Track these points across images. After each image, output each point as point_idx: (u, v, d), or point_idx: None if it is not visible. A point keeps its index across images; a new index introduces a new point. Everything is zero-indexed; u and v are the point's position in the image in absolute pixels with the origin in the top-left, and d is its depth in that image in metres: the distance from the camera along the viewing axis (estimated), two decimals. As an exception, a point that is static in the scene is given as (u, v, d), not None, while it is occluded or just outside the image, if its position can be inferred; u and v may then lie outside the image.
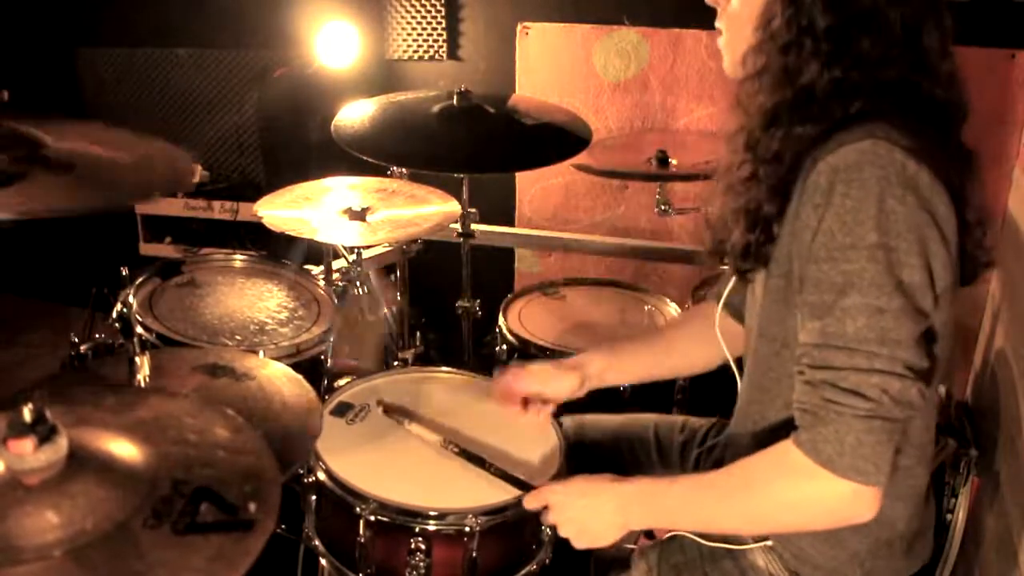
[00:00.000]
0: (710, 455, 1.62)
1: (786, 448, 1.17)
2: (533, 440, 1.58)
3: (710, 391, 1.78)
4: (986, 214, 1.24)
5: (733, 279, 1.48)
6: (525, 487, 1.41)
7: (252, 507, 0.92)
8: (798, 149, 1.20)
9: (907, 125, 1.14)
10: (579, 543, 1.35)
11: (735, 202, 1.29)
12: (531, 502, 1.38)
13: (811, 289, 1.15)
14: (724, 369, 1.81)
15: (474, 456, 1.47)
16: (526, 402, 1.60)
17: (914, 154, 1.11)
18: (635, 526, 1.34)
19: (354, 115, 2.20)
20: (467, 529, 1.38)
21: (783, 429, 1.20)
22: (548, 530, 1.49)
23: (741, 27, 1.26)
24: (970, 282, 1.27)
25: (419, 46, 3.17)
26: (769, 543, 1.36)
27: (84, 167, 1.26)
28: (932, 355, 1.14)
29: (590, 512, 1.33)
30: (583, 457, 1.61)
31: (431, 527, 1.39)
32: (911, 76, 1.18)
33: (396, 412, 1.60)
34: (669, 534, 1.45)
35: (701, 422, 1.70)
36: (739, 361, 1.51)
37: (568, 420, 1.70)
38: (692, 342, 1.63)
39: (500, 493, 1.42)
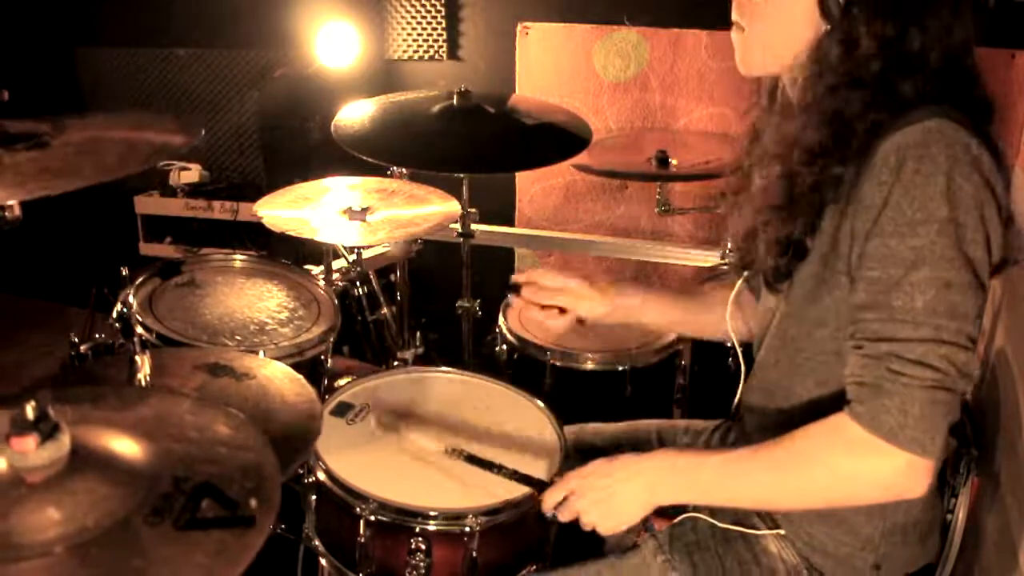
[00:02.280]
0: None
1: (841, 421, 1.17)
2: (533, 440, 1.58)
3: (709, 391, 1.78)
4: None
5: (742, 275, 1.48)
6: (542, 486, 1.39)
7: (253, 503, 0.92)
8: (842, 182, 1.20)
9: (960, 106, 1.17)
10: (605, 527, 1.31)
11: (767, 232, 1.29)
12: (551, 496, 1.35)
13: (874, 264, 1.16)
14: (724, 369, 1.81)
15: (482, 461, 1.45)
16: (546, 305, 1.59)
17: (976, 134, 1.13)
18: (663, 501, 1.30)
19: (354, 115, 2.20)
20: (467, 529, 1.38)
21: (820, 403, 1.22)
22: (549, 530, 1.49)
23: (776, 28, 1.25)
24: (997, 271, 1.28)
25: (419, 46, 3.17)
26: (782, 531, 1.36)
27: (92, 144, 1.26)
28: (980, 329, 1.16)
29: (614, 491, 1.30)
30: (584, 462, 1.60)
31: (431, 527, 1.39)
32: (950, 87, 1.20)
33: (392, 423, 1.59)
34: (679, 518, 1.43)
35: (704, 424, 1.70)
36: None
37: (567, 429, 1.69)
38: (720, 314, 1.60)
39: (500, 493, 1.42)
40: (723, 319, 1.56)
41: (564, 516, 1.34)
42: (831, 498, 1.25)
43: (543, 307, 1.60)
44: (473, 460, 1.45)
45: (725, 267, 1.62)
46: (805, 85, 1.25)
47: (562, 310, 1.59)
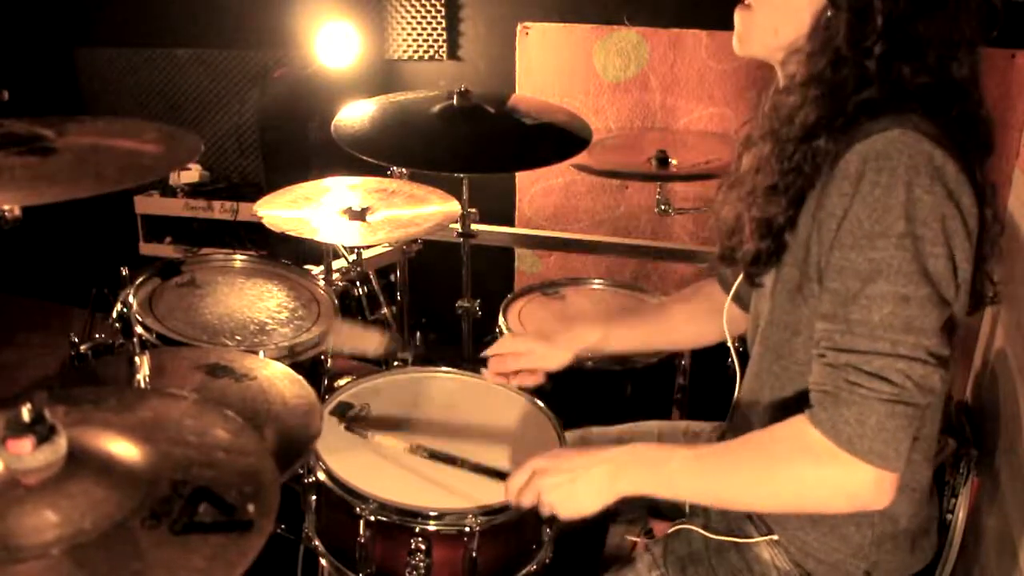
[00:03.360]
0: None
1: (802, 426, 1.17)
2: (533, 439, 1.58)
3: (709, 392, 1.78)
4: (1002, 213, 1.25)
5: (741, 276, 1.47)
6: (504, 476, 1.36)
7: (251, 508, 0.92)
8: (823, 160, 1.20)
9: (933, 120, 1.15)
10: (564, 511, 1.29)
11: (752, 212, 1.29)
12: (515, 481, 1.32)
13: (834, 276, 1.16)
14: (723, 370, 1.81)
15: (445, 456, 1.46)
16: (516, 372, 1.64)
17: (941, 145, 1.12)
18: (626, 491, 1.28)
19: (354, 115, 2.20)
20: (467, 529, 1.38)
21: (798, 411, 1.21)
22: (548, 530, 1.49)
23: (784, 10, 1.25)
24: (977, 304, 1.28)
25: (419, 46, 3.17)
26: (775, 537, 1.36)
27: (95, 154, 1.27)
28: (951, 344, 1.15)
29: (576, 476, 1.28)
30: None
31: (431, 527, 1.39)
32: (938, 92, 1.19)
33: (358, 426, 1.58)
34: (673, 528, 1.44)
35: (704, 426, 1.70)
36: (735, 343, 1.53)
37: (573, 434, 1.69)
38: (691, 317, 1.65)
39: (500, 493, 1.41)
40: (682, 330, 1.64)
41: (526, 499, 1.31)
42: (793, 502, 1.24)
43: (514, 374, 1.64)
44: (435, 456, 1.46)
45: (721, 271, 1.62)
46: (804, 60, 1.23)
47: (532, 372, 1.64)
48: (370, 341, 1.73)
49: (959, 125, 1.19)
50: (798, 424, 1.18)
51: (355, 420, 1.59)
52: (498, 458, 1.49)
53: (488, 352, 1.67)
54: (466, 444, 1.53)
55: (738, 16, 1.31)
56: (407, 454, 1.49)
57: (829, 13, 1.20)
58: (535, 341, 1.65)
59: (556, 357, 1.63)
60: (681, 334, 1.68)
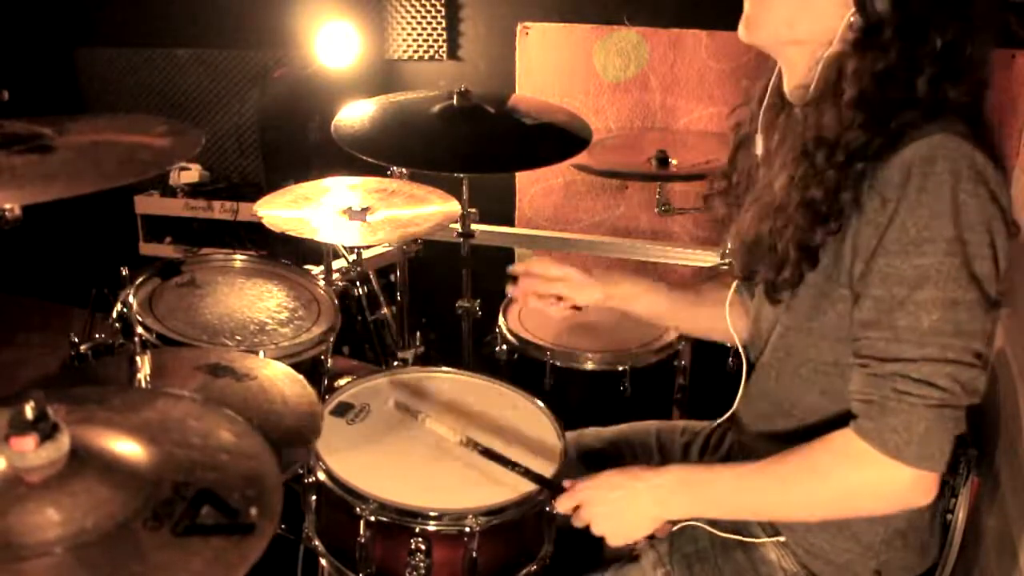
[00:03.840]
0: (714, 455, 1.62)
1: (847, 437, 1.17)
2: (533, 439, 1.58)
3: (708, 392, 1.78)
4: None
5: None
6: (553, 487, 1.39)
7: (253, 511, 0.92)
8: (865, 180, 1.17)
9: (966, 120, 1.16)
10: (614, 539, 1.33)
11: (788, 237, 1.24)
12: (564, 503, 1.36)
13: (878, 283, 1.15)
14: (723, 370, 1.81)
15: (499, 456, 1.44)
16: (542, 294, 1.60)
17: (980, 147, 1.12)
18: (673, 516, 1.32)
19: (354, 115, 2.20)
20: (467, 529, 1.38)
21: (823, 413, 1.23)
22: (549, 530, 1.49)
23: (800, 5, 1.22)
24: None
25: (419, 46, 3.17)
26: (782, 538, 1.36)
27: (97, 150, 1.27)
28: (993, 343, 1.16)
29: (625, 505, 1.31)
30: (585, 465, 1.60)
31: (431, 527, 1.39)
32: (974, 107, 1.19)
33: (411, 408, 1.56)
34: (679, 526, 1.43)
35: (702, 424, 1.70)
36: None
37: (569, 435, 1.69)
38: (712, 311, 1.60)
39: (500, 493, 1.42)
40: (716, 315, 1.56)
41: (576, 523, 1.36)
42: (838, 511, 1.26)
43: (541, 296, 1.60)
44: (488, 454, 1.44)
45: (725, 267, 1.62)
46: (849, 76, 1.18)
47: (559, 299, 1.60)
48: None
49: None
50: (842, 436, 1.18)
51: (408, 403, 1.57)
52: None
53: (517, 269, 1.62)
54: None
55: (747, 5, 1.27)
56: (408, 453, 1.49)
57: (854, 19, 1.18)
58: (572, 268, 1.60)
59: (589, 291, 1.59)
60: (703, 322, 1.64)
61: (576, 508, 1.35)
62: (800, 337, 1.31)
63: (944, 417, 1.12)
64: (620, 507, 1.31)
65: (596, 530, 1.33)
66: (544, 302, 1.60)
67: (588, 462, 1.63)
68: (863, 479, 1.17)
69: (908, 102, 1.15)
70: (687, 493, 1.30)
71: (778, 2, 1.24)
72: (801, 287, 1.28)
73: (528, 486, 1.41)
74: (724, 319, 1.55)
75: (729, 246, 1.44)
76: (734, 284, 1.52)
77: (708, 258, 2.61)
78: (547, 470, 1.48)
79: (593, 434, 1.72)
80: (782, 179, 1.26)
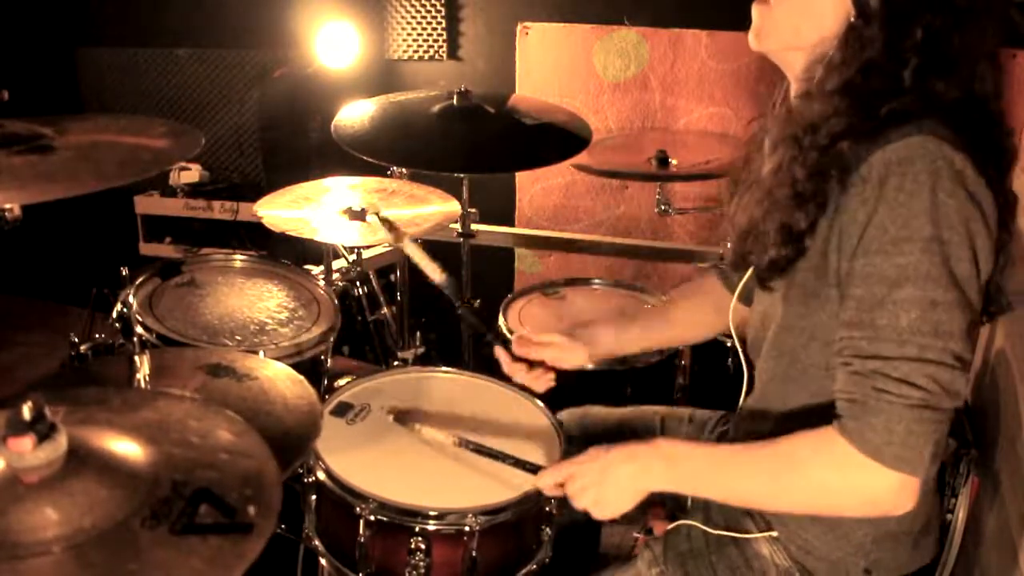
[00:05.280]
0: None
1: (830, 435, 1.17)
2: (533, 437, 1.58)
3: (708, 391, 1.78)
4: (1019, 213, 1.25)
5: (748, 272, 1.47)
6: (536, 470, 1.39)
7: (251, 510, 0.92)
8: (847, 164, 1.18)
9: (951, 122, 1.15)
10: (598, 512, 1.32)
11: (773, 218, 1.26)
12: (546, 479, 1.36)
13: (859, 282, 1.16)
14: (723, 369, 1.81)
15: (491, 451, 1.45)
16: (530, 365, 1.62)
17: (960, 150, 1.12)
18: (651, 488, 1.31)
19: (354, 115, 2.20)
20: (467, 529, 1.38)
21: (812, 415, 1.22)
22: (548, 529, 1.49)
23: (805, 12, 1.23)
24: (992, 314, 1.28)
25: (419, 46, 3.17)
26: (774, 534, 1.36)
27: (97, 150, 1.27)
28: (975, 346, 1.16)
29: (607, 476, 1.31)
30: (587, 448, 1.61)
31: (431, 527, 1.39)
32: (965, 104, 1.19)
33: (407, 418, 1.58)
34: (673, 525, 1.44)
35: (708, 414, 1.70)
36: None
37: (572, 412, 1.70)
38: (695, 314, 1.67)
39: (500, 493, 1.42)
40: (694, 319, 1.66)
41: (553, 493, 1.37)
42: (816, 506, 1.25)
43: (530, 368, 1.63)
44: (479, 450, 1.46)
45: (723, 267, 1.62)
46: (835, 67, 1.21)
47: (545, 368, 1.63)
48: (435, 270, 1.72)
49: (982, 135, 1.18)
50: (826, 434, 1.18)
51: (403, 415, 1.59)
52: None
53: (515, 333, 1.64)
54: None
55: (757, 11, 1.28)
56: (408, 453, 1.49)
57: (855, 19, 1.19)
58: (556, 334, 1.64)
59: (573, 356, 1.63)
60: (687, 331, 1.70)
61: (561, 486, 1.35)
62: (792, 337, 1.32)
63: (924, 419, 1.11)
64: (601, 479, 1.31)
65: (578, 504, 1.33)
66: (531, 376, 1.63)
67: (589, 444, 1.64)
68: (842, 480, 1.17)
69: (893, 92, 1.16)
70: (666, 465, 1.29)
71: (785, 11, 1.26)
72: (794, 286, 1.28)
73: (528, 486, 1.41)
74: (702, 317, 1.63)
75: (729, 241, 1.45)
76: (736, 289, 1.53)
77: (708, 258, 2.61)
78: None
79: (597, 414, 1.74)
80: (770, 165, 1.30)
